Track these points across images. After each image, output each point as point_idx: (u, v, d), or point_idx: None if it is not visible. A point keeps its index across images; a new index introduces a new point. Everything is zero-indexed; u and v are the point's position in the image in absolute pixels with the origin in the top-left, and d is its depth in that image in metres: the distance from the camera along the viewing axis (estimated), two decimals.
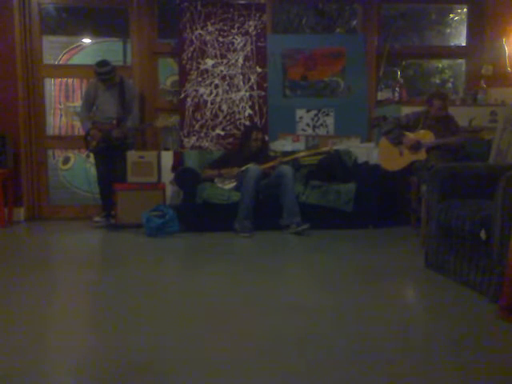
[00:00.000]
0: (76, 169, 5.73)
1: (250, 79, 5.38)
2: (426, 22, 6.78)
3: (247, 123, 5.35)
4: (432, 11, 6.71)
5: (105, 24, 6.04)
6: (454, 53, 6.02)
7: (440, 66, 7.18)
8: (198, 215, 4.59)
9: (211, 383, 1.75)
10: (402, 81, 5.56)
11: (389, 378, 1.77)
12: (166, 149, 5.42)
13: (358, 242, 4.24)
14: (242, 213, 4.46)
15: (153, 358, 1.91)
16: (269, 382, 1.75)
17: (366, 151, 5.24)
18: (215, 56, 5.36)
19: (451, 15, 6.68)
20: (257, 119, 5.40)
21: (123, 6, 5.51)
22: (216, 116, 5.37)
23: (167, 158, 5.15)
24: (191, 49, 5.32)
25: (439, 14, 6.74)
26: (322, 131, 5.57)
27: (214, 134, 5.38)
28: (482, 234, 2.57)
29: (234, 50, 5.37)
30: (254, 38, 5.38)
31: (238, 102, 5.39)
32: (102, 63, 4.80)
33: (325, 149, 5.03)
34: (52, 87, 5.66)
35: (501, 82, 5.44)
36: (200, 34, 5.32)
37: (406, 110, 4.82)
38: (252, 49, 5.38)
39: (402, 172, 4.56)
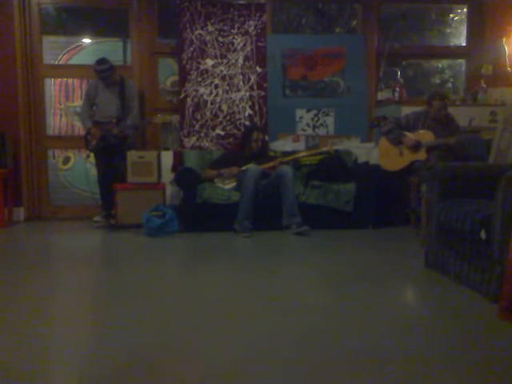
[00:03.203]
0: (76, 169, 5.73)
1: (250, 79, 5.38)
2: (426, 22, 6.77)
3: (247, 123, 5.35)
4: (432, 11, 6.71)
5: (105, 24, 6.04)
6: (454, 53, 6.03)
7: (440, 66, 7.18)
8: (197, 215, 4.59)
9: (211, 383, 1.75)
10: (402, 81, 5.56)
11: (389, 378, 1.77)
12: (166, 149, 5.43)
13: (358, 241, 4.24)
14: (241, 213, 4.46)
15: (152, 358, 1.91)
16: (269, 382, 1.75)
17: (365, 151, 5.24)
18: (215, 56, 5.36)
19: (451, 15, 6.67)
20: (257, 119, 5.40)
21: (123, 6, 5.51)
22: (216, 116, 5.38)
23: (167, 158, 5.15)
24: (191, 49, 5.32)
25: (439, 14, 6.74)
26: (322, 131, 5.57)
27: (214, 134, 5.38)
28: (482, 234, 2.57)
29: (234, 50, 5.37)
30: (253, 38, 5.38)
31: (238, 102, 5.39)
32: (101, 61, 4.83)
33: (325, 149, 5.03)
34: (52, 87, 5.66)
35: (501, 82, 5.44)
36: (200, 34, 5.32)
37: (406, 110, 4.82)
38: (252, 49, 5.38)
39: (402, 172, 4.56)
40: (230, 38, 5.36)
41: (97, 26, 5.98)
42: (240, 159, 4.84)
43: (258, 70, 5.39)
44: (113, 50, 5.87)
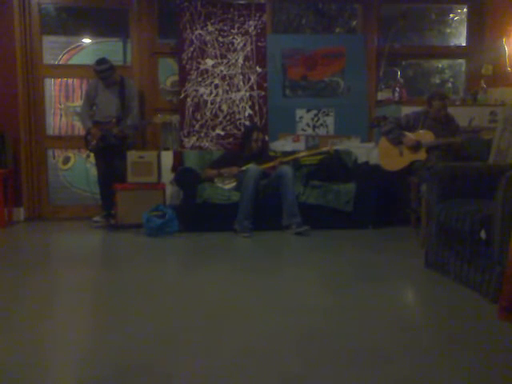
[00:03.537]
0: (76, 169, 5.73)
1: (250, 79, 5.38)
2: (426, 22, 6.77)
3: (247, 123, 5.35)
4: (432, 11, 6.71)
5: (105, 24, 6.03)
6: (454, 53, 6.03)
7: (440, 66, 7.17)
8: (197, 215, 4.59)
9: (211, 382, 1.75)
10: (402, 81, 5.56)
11: (389, 378, 1.77)
12: (166, 149, 5.43)
13: (358, 242, 4.24)
14: (241, 213, 4.46)
15: (152, 358, 1.91)
16: (268, 382, 1.75)
17: (365, 151, 5.24)
18: (215, 56, 5.36)
19: (451, 15, 6.67)
20: (257, 119, 5.40)
21: (123, 5, 5.51)
22: (216, 116, 5.38)
23: (167, 158, 5.15)
24: (191, 49, 5.32)
25: (439, 14, 6.73)
26: (322, 131, 5.57)
27: (214, 134, 5.38)
28: (482, 234, 2.57)
29: (234, 50, 5.37)
30: (253, 38, 5.38)
31: (238, 102, 5.39)
32: (100, 61, 4.84)
33: (325, 149, 5.03)
34: (52, 87, 5.66)
35: (501, 82, 5.44)
36: (200, 34, 5.32)
37: (406, 110, 4.82)
38: (252, 49, 5.38)
39: (402, 172, 4.56)
40: (230, 38, 5.36)
41: (97, 26, 5.98)
42: (240, 159, 4.84)
43: (258, 69, 5.39)
44: (113, 49, 5.86)
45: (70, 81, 5.68)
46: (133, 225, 4.64)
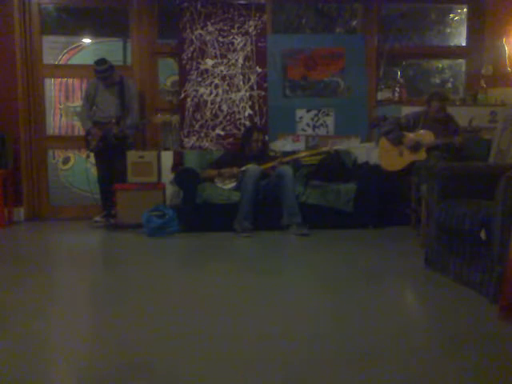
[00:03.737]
0: (76, 169, 5.73)
1: (250, 79, 5.39)
2: (426, 21, 6.76)
3: (247, 123, 5.35)
4: (432, 11, 6.71)
5: (105, 24, 6.03)
6: (454, 53, 6.03)
7: (440, 66, 7.17)
8: (197, 215, 4.59)
9: (211, 383, 1.75)
10: (402, 81, 5.56)
11: (388, 378, 1.77)
12: (166, 149, 5.43)
13: (358, 242, 4.24)
14: (241, 213, 4.46)
15: (152, 358, 1.91)
16: (269, 382, 1.75)
17: (365, 151, 5.24)
18: (215, 56, 5.36)
19: (451, 15, 6.67)
20: (257, 119, 5.40)
21: (123, 6, 5.51)
22: (216, 116, 5.38)
23: (167, 157, 5.15)
24: (191, 49, 5.32)
25: (439, 14, 6.73)
26: (322, 131, 5.57)
27: (214, 134, 5.38)
28: (482, 234, 2.57)
29: (234, 50, 5.37)
30: (253, 38, 5.38)
31: (237, 102, 5.39)
32: (100, 62, 4.85)
33: (325, 149, 5.03)
34: (52, 87, 5.66)
35: (501, 82, 5.44)
36: (200, 34, 5.32)
37: (406, 110, 4.82)
38: (252, 49, 5.38)
39: (402, 172, 4.56)
40: (230, 38, 5.36)
41: (97, 26, 5.97)
42: (240, 159, 4.84)
43: (258, 70, 5.39)
44: (113, 49, 5.86)
45: (69, 81, 5.68)
46: (133, 225, 4.64)
